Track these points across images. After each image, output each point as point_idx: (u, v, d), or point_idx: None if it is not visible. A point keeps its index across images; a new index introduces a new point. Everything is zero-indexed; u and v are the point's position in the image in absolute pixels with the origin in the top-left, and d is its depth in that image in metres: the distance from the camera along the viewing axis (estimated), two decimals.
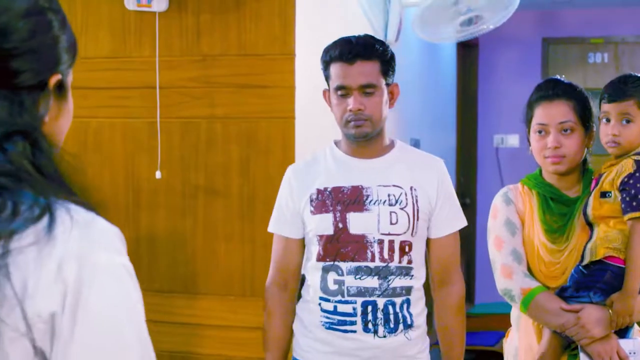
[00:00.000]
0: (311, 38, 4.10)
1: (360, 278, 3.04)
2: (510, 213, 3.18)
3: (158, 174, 4.09)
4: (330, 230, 3.06)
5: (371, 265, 3.03)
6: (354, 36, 3.08)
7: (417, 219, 3.06)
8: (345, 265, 3.05)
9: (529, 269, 3.12)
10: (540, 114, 3.12)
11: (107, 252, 1.35)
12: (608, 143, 3.03)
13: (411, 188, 3.08)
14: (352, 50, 3.01)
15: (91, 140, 4.25)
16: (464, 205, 8.25)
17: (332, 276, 3.08)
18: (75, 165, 1.43)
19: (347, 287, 3.04)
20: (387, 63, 3.06)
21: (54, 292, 1.28)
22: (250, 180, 4.02)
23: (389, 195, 3.06)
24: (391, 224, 3.04)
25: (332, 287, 3.07)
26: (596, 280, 2.96)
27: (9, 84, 1.37)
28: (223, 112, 4.06)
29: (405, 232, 3.04)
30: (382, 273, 3.03)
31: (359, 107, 3.00)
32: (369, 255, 3.03)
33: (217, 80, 4.07)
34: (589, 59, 8.77)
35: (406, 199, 3.06)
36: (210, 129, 4.09)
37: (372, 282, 3.03)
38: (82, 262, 1.30)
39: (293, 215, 3.16)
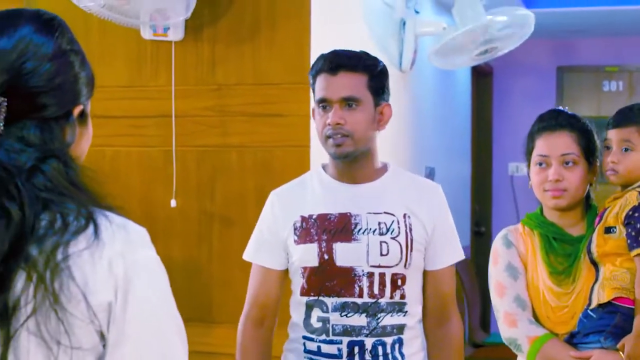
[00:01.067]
0: None
1: (346, 315, 2.76)
2: (511, 257, 2.97)
3: (173, 203, 4.10)
4: (314, 262, 2.78)
5: (358, 301, 2.75)
6: (344, 49, 2.90)
7: (411, 250, 2.79)
8: (330, 301, 2.77)
9: (535, 315, 2.93)
10: (542, 145, 2.95)
11: (143, 248, 1.67)
12: (607, 171, 2.91)
13: (404, 216, 2.81)
14: (335, 60, 2.80)
15: (107, 169, 4.26)
16: (478, 234, 8.27)
17: (316, 313, 2.80)
18: (97, 179, 1.71)
19: (332, 326, 2.76)
20: (376, 78, 2.82)
21: (109, 286, 1.58)
22: None
23: (379, 224, 2.78)
24: (381, 255, 2.77)
25: (316, 324, 2.80)
26: (606, 324, 2.78)
27: (39, 116, 1.65)
28: (238, 140, 4.08)
29: (397, 264, 2.77)
30: (370, 310, 2.75)
31: (338, 121, 2.74)
32: (357, 290, 2.75)
33: (233, 109, 4.08)
34: (604, 87, 8.78)
35: (398, 228, 2.79)
36: (225, 157, 4.10)
37: (360, 320, 2.75)
38: (127, 259, 1.61)
39: (274, 244, 2.90)
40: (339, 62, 2.79)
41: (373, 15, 4.80)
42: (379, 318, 2.76)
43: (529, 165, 3.04)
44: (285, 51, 4.00)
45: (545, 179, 2.94)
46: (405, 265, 2.79)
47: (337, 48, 2.95)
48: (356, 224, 2.79)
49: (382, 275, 2.76)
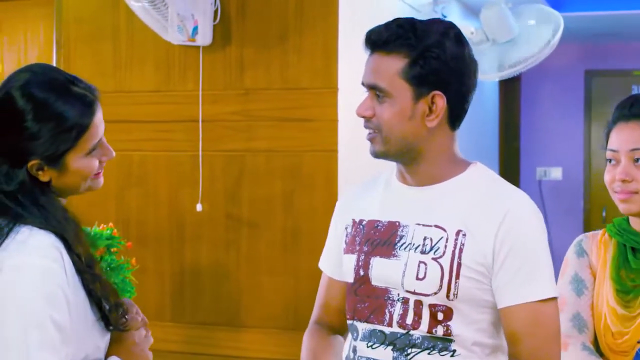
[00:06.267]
0: (354, 71, 4.10)
1: (372, 347, 2.25)
2: (580, 268, 2.50)
3: (199, 207, 4.10)
4: (351, 277, 2.30)
5: (386, 330, 2.22)
6: (400, 18, 2.25)
7: (457, 277, 2.15)
8: (360, 327, 2.27)
9: (595, 340, 2.43)
10: (613, 137, 2.48)
11: (24, 255, 1.92)
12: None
13: (458, 232, 2.17)
14: (372, 35, 2.22)
15: (135, 173, 4.28)
16: None
17: (349, 339, 2.35)
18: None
19: (358, 357, 2.28)
20: (420, 62, 2.16)
21: None
22: (293, 214, 4.02)
23: (424, 239, 2.20)
24: (417, 278, 2.17)
25: (350, 354, 2.32)
26: None
27: None
28: (266, 145, 4.08)
29: (435, 293, 2.16)
30: (398, 343, 2.20)
31: (362, 112, 2.22)
32: (387, 317, 2.22)
33: (260, 114, 4.08)
34: (633, 91, 8.72)
35: (445, 247, 2.17)
36: (253, 162, 4.10)
37: (385, 353, 2.22)
38: (4, 262, 1.90)
39: (333, 249, 2.46)
40: (375, 37, 2.21)
41: None
42: (409, 354, 2.20)
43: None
44: (313, 56, 3.99)
45: (614, 178, 2.47)
46: (447, 296, 2.16)
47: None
48: (401, 237, 2.24)
49: (418, 304, 2.19)
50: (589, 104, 8.70)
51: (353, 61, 4.11)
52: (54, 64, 4.38)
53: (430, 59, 2.16)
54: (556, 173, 8.65)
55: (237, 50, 4.11)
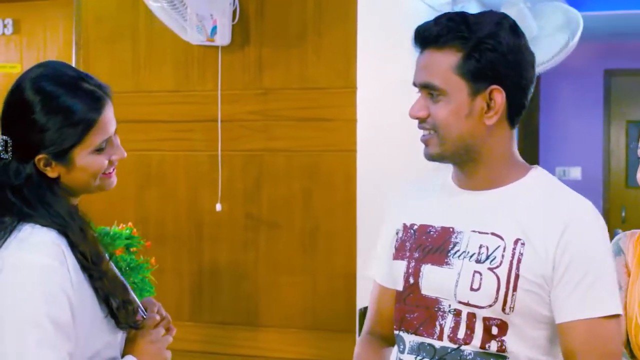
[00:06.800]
0: (373, 71, 4.11)
1: None
2: (616, 267, 2.22)
3: (218, 207, 4.11)
4: (400, 285, 2.15)
5: (436, 344, 2.08)
6: (450, 12, 2.12)
7: (514, 289, 2.00)
8: (408, 339, 2.13)
9: (627, 342, 2.34)
10: None
11: (24, 252, 1.93)
12: None
13: (516, 241, 2.02)
14: (422, 31, 2.09)
15: (154, 173, 4.29)
16: None
17: (395, 350, 2.21)
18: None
19: None
20: (477, 55, 2.02)
21: None
22: (312, 213, 4.02)
23: (480, 247, 2.06)
24: (472, 289, 2.03)
25: None
26: None
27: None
28: (284, 145, 4.08)
29: (490, 305, 2.01)
30: (449, 358, 2.06)
31: (415, 114, 2.08)
32: (437, 329, 2.07)
33: (279, 114, 4.08)
34: None
35: (502, 257, 2.02)
36: (271, 161, 4.10)
37: None
38: (4, 259, 1.93)
39: (383, 254, 2.29)
40: (425, 33, 2.07)
41: (419, 19, 4.78)
42: None
43: None
44: (332, 56, 3.99)
45: None
46: (503, 309, 2.01)
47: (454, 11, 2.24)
48: (455, 244, 2.10)
49: (471, 317, 2.04)
50: (608, 104, 8.66)
51: (372, 61, 4.11)
52: (73, 64, 4.40)
53: (486, 51, 2.01)
54: (575, 173, 8.62)
55: (256, 50, 4.12)
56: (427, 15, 4.83)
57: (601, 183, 8.54)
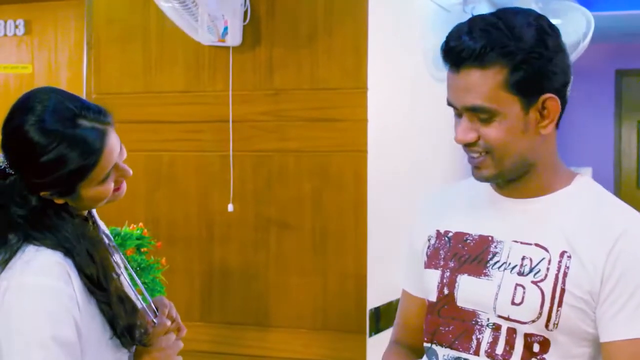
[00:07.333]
0: (384, 72, 4.11)
1: None
2: None
3: (230, 207, 4.11)
4: (433, 296, 2.06)
5: (472, 359, 1.97)
6: (478, 19, 1.93)
7: (559, 304, 1.89)
8: (442, 352, 2.02)
9: None
10: None
11: (29, 276, 1.95)
12: None
13: (562, 254, 1.91)
14: (456, 47, 1.90)
15: (164, 174, 4.29)
16: None
17: None
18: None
19: None
20: (525, 66, 1.87)
21: None
22: (322, 214, 4.01)
23: (522, 259, 1.94)
24: (513, 303, 1.92)
25: None
26: None
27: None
28: (295, 145, 4.08)
29: (533, 321, 1.90)
30: None
31: (464, 139, 1.95)
32: (474, 344, 1.97)
33: (290, 114, 4.08)
34: None
35: (547, 269, 1.91)
36: (282, 162, 4.10)
37: None
38: (10, 282, 1.95)
39: (412, 261, 2.20)
40: (462, 51, 1.89)
41: (430, 19, 4.78)
42: None
43: None
44: (343, 56, 3.99)
45: None
46: (547, 325, 1.90)
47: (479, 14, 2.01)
48: (494, 254, 1.98)
49: (511, 332, 1.93)
50: (619, 104, 8.65)
51: (383, 61, 4.11)
52: (84, 65, 4.41)
53: (533, 60, 1.88)
54: (586, 173, 8.59)
55: (267, 50, 4.12)
56: (438, 14, 4.83)
57: (612, 184, 8.53)
